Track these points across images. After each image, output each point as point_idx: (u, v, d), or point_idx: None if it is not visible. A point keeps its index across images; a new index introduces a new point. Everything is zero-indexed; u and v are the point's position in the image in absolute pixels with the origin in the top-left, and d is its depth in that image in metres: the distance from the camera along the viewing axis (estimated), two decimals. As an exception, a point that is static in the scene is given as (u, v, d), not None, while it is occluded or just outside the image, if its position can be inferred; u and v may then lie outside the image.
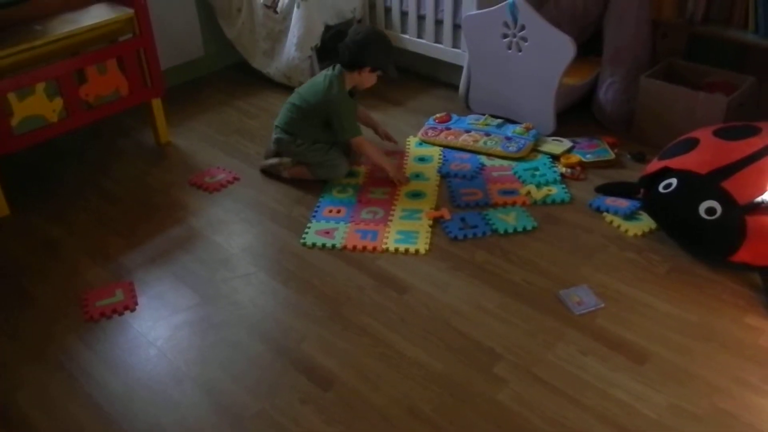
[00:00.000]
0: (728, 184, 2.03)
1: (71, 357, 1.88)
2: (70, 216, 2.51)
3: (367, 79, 2.54)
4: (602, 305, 1.97)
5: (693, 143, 2.23)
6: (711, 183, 2.06)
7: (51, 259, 2.29)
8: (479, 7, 2.87)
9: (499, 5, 2.73)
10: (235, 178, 2.69)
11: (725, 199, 2.02)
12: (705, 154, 2.16)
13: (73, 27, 2.51)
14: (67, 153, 2.94)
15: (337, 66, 2.53)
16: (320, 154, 2.59)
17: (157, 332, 1.96)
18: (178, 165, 2.83)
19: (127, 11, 2.63)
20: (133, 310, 2.04)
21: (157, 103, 2.89)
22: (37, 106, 2.45)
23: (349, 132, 2.54)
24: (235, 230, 2.40)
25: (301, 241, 2.31)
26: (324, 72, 2.57)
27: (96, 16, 2.60)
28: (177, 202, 2.58)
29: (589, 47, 2.99)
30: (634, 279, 2.07)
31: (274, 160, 2.67)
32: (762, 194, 1.97)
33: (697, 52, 2.87)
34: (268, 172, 2.69)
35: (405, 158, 2.76)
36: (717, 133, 2.23)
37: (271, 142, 2.70)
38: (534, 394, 1.70)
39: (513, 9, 2.70)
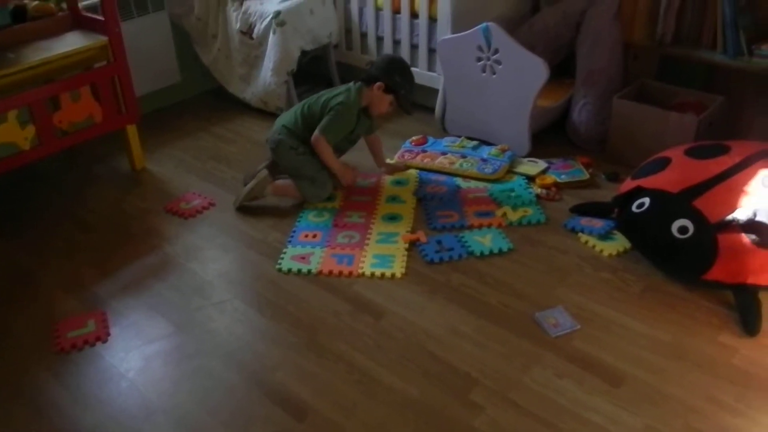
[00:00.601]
0: (699, 203, 2.05)
1: (41, 391, 1.84)
2: (44, 244, 2.48)
3: (380, 99, 2.58)
4: (578, 327, 1.97)
5: (665, 162, 2.26)
6: (683, 202, 2.08)
7: (23, 288, 2.25)
8: (453, 32, 2.90)
9: (473, 29, 2.76)
10: (211, 204, 2.68)
11: (697, 217, 2.03)
12: (676, 173, 2.19)
13: (47, 55, 2.51)
14: (41, 180, 2.91)
15: (361, 82, 2.60)
16: (316, 168, 2.58)
17: (129, 363, 1.93)
18: (153, 191, 2.81)
19: (102, 39, 2.63)
20: (105, 341, 2.01)
21: (132, 129, 2.87)
22: (9, 133, 2.43)
23: (325, 129, 2.54)
24: (211, 256, 2.38)
25: (277, 266, 2.30)
26: (348, 84, 2.64)
27: (70, 43, 2.60)
28: (152, 228, 2.56)
29: (562, 69, 3.03)
30: (609, 299, 2.08)
31: (251, 185, 2.59)
32: (732, 212, 1.99)
33: (668, 72, 2.92)
34: (246, 205, 2.61)
35: (382, 180, 2.77)
36: (688, 153, 2.26)
37: (269, 142, 2.65)
38: (510, 420, 1.69)
39: (487, 33, 2.73)
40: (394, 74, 2.55)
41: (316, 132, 2.54)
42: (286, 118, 2.65)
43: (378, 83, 2.54)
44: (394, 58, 2.67)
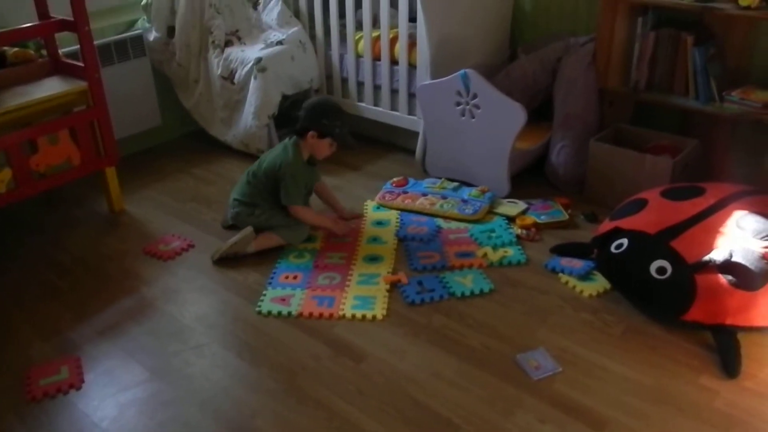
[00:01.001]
0: (677, 244, 2.07)
1: (9, 441, 1.79)
2: (19, 287, 2.43)
3: (318, 145, 2.58)
4: (560, 369, 1.96)
5: (642, 204, 2.29)
6: (660, 243, 2.10)
7: (0, 334, 2.20)
8: (433, 78, 2.95)
9: (452, 75, 2.82)
10: (190, 245, 2.65)
11: (674, 258, 2.05)
12: (653, 214, 2.22)
13: (26, 99, 2.50)
14: (19, 222, 2.88)
15: (294, 136, 2.59)
16: (280, 218, 2.59)
17: (104, 412, 1.87)
18: (132, 233, 2.78)
19: (81, 84, 2.63)
20: (78, 388, 1.96)
21: (110, 172, 2.86)
22: (-15, 176, 2.41)
23: (289, 198, 2.56)
24: (189, 299, 2.35)
25: (257, 309, 2.27)
26: (283, 141, 2.62)
27: (49, 88, 2.60)
28: (130, 271, 2.52)
29: (540, 113, 3.08)
30: (590, 341, 2.07)
31: (232, 241, 2.54)
32: (709, 253, 2.01)
33: (643, 118, 2.99)
34: (228, 257, 2.55)
35: (363, 223, 2.77)
36: (664, 194, 2.30)
37: (228, 217, 2.69)
38: (493, 465, 1.66)
39: (465, 79, 2.78)
40: (321, 119, 2.54)
41: (286, 205, 2.57)
42: (236, 191, 2.67)
43: (310, 132, 2.55)
44: (316, 103, 2.62)
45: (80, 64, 2.67)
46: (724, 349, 1.97)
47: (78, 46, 2.67)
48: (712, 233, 2.07)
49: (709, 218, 2.13)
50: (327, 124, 2.55)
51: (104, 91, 2.70)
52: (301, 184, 2.60)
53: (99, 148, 2.76)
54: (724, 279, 1.98)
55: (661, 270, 2.07)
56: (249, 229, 2.56)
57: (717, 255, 2.00)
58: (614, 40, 2.80)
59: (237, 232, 2.58)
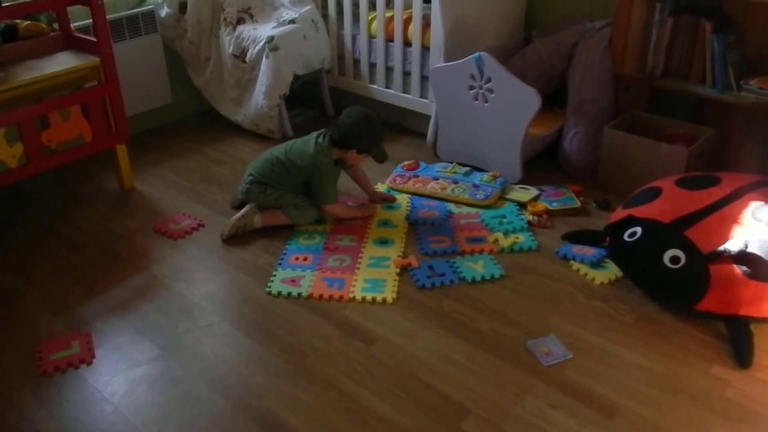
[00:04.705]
0: (691, 233, 2.06)
1: (21, 415, 1.79)
2: (30, 264, 2.43)
3: (353, 158, 2.61)
4: (570, 356, 1.95)
5: (656, 192, 2.27)
6: (674, 232, 2.08)
7: (7, 309, 2.20)
8: (446, 60, 2.92)
9: (466, 58, 2.78)
10: (200, 225, 2.65)
11: (689, 247, 2.04)
12: (668, 203, 2.20)
13: (37, 74, 2.49)
14: (29, 199, 2.87)
15: (328, 136, 2.57)
16: (291, 197, 2.58)
17: (114, 387, 1.88)
18: (142, 211, 2.78)
19: (93, 59, 2.61)
20: (89, 363, 1.96)
21: (121, 149, 2.85)
22: (-4, 151, 2.40)
23: (326, 199, 2.58)
24: (199, 278, 2.35)
25: (267, 289, 2.27)
26: (315, 136, 2.60)
27: (61, 63, 2.58)
28: (140, 249, 2.52)
29: (553, 99, 3.05)
30: (602, 328, 2.07)
31: (239, 215, 2.56)
32: (724, 243, 2.00)
33: (658, 105, 2.95)
34: (236, 235, 2.55)
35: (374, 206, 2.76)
36: (679, 183, 2.28)
37: (239, 191, 2.68)
38: (503, 450, 1.66)
39: (479, 62, 2.75)
40: (364, 140, 2.55)
41: (321, 204, 2.58)
42: (254, 167, 2.65)
43: (352, 150, 2.56)
44: (359, 122, 2.53)
45: (92, 38, 2.65)
46: (737, 340, 1.96)
47: (90, 21, 2.65)
48: (728, 223, 2.06)
49: (724, 208, 2.11)
50: (369, 144, 2.57)
51: (116, 67, 2.68)
52: (335, 181, 2.62)
53: (110, 125, 2.74)
54: (738, 269, 1.96)
55: (675, 259, 2.06)
56: (252, 206, 2.58)
57: (732, 245, 1.98)
58: (631, 26, 2.76)
59: (246, 212, 2.59)
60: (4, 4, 2.46)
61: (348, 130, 2.51)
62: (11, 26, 2.64)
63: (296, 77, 3.28)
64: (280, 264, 2.40)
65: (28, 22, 2.68)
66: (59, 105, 2.54)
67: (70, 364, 1.95)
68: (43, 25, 2.72)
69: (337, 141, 2.54)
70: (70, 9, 2.72)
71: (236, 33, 3.27)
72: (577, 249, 2.42)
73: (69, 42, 2.73)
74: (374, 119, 2.58)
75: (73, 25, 2.77)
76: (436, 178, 2.88)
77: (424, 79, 3.16)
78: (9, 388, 1.88)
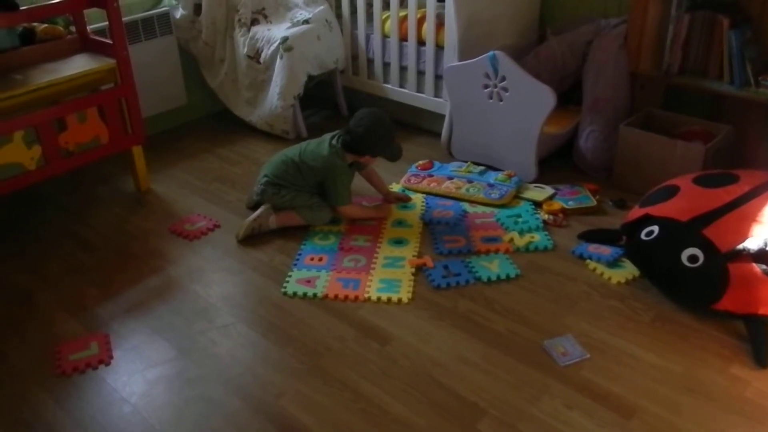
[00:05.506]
0: (709, 232, 2.03)
1: (40, 415, 1.81)
2: (46, 266, 2.46)
3: (366, 161, 2.63)
4: (587, 356, 1.94)
5: (673, 190, 2.25)
6: (692, 230, 2.06)
7: (24, 310, 2.23)
8: (460, 59, 2.91)
9: (480, 57, 2.77)
10: (216, 226, 2.66)
11: (707, 246, 2.02)
12: (685, 201, 2.17)
13: (54, 77, 2.51)
14: (46, 200, 2.90)
15: (341, 139, 2.57)
16: (305, 198, 2.59)
17: (132, 388, 1.89)
18: (157, 212, 2.80)
19: (109, 62, 2.64)
20: (107, 364, 1.98)
21: (137, 151, 2.87)
22: (15, 153, 2.43)
23: (340, 200, 2.58)
24: (215, 279, 2.36)
25: (282, 290, 2.27)
26: (329, 138, 2.60)
27: (78, 66, 2.61)
28: (156, 250, 2.54)
29: (568, 97, 3.03)
30: (619, 328, 2.05)
31: (254, 216, 2.57)
32: (743, 241, 1.97)
33: (674, 102, 2.92)
34: (251, 236, 2.56)
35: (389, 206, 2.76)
36: (697, 181, 2.25)
37: (254, 192, 2.69)
38: (519, 451, 1.66)
39: (494, 61, 2.74)
40: (377, 146, 2.56)
41: (336, 206, 2.59)
42: (268, 168, 2.66)
43: (366, 156, 2.57)
44: (370, 128, 2.51)
45: (108, 41, 2.67)
46: (756, 339, 1.94)
47: (106, 23, 2.67)
48: (746, 221, 2.03)
49: (743, 206, 2.08)
50: (382, 148, 2.58)
51: (132, 69, 2.70)
52: (349, 184, 2.63)
53: (126, 127, 2.76)
54: (758, 268, 1.94)
55: (693, 258, 2.03)
56: (266, 205, 2.60)
57: (751, 243, 1.96)
58: (647, 22, 2.73)
59: (262, 213, 2.59)
60: (21, 8, 2.48)
61: (360, 138, 2.52)
62: (29, 29, 2.67)
63: (310, 77, 3.29)
64: (295, 264, 2.40)
65: (46, 25, 2.71)
66: (76, 107, 2.56)
67: (89, 364, 1.97)
68: (61, 28, 2.75)
69: (350, 147, 2.55)
70: (86, 11, 2.74)
71: (250, 34, 3.29)
72: (594, 248, 2.40)
73: (85, 44, 2.76)
74: (385, 122, 2.57)
75: (89, 28, 2.79)
76: (450, 178, 2.88)
77: (438, 78, 3.15)
78: (28, 389, 1.90)
